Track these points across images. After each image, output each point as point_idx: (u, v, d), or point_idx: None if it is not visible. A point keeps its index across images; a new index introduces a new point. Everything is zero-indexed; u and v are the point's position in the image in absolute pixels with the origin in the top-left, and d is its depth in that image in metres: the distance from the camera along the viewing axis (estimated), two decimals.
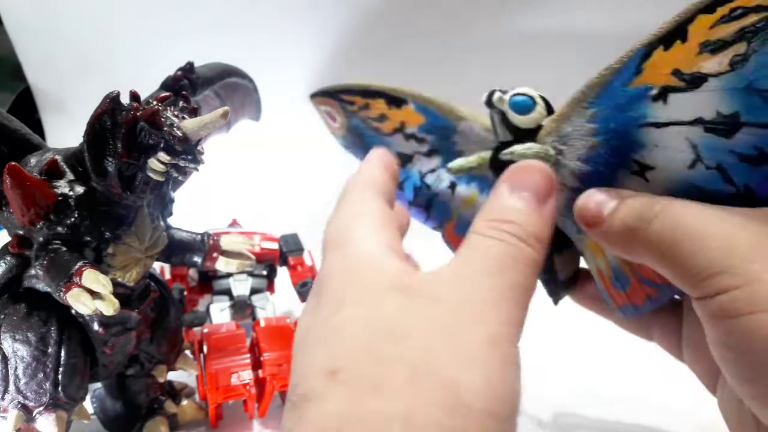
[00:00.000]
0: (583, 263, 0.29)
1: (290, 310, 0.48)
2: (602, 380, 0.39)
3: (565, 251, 0.28)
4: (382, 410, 0.16)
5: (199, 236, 0.35)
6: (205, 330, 0.39)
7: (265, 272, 0.47)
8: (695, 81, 0.20)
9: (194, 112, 0.27)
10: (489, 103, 0.25)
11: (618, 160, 0.23)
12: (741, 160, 0.21)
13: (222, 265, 0.35)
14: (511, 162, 0.24)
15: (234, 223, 0.51)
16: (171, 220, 0.34)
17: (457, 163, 0.27)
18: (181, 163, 0.26)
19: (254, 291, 0.46)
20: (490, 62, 0.68)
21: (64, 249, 0.27)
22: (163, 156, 0.26)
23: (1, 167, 0.26)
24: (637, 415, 0.36)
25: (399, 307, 0.18)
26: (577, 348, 0.42)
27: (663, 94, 0.21)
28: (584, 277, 0.30)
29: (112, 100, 0.26)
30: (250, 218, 0.52)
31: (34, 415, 0.28)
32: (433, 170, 0.32)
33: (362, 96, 0.33)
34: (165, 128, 0.25)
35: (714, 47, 0.20)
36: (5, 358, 0.28)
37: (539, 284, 0.28)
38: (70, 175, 0.27)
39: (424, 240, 0.31)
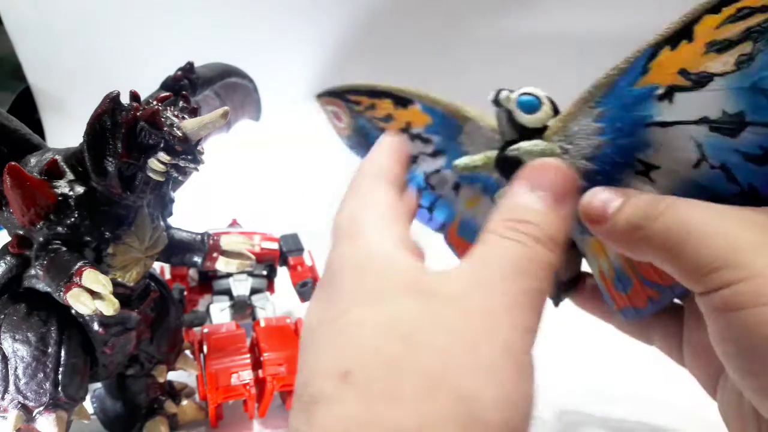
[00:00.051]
0: (584, 266, 0.29)
1: (290, 310, 0.48)
2: (605, 378, 0.39)
3: (568, 252, 0.28)
4: (396, 420, 0.15)
5: (199, 236, 0.35)
6: (205, 330, 0.39)
7: (265, 272, 0.47)
8: (701, 80, 0.21)
9: (194, 112, 0.27)
10: (496, 101, 0.25)
11: (623, 159, 0.23)
12: (746, 159, 0.21)
13: (222, 265, 0.35)
14: (517, 159, 0.24)
15: (234, 223, 0.51)
16: (171, 220, 0.34)
17: (463, 160, 0.27)
18: (181, 163, 0.26)
19: (254, 291, 0.46)
20: (490, 62, 0.68)
21: (64, 249, 0.27)
22: (163, 156, 0.26)
23: (1, 167, 0.26)
24: (642, 413, 0.36)
25: (413, 311, 0.17)
26: (580, 346, 0.42)
27: (669, 93, 0.21)
28: (585, 280, 0.29)
29: (112, 100, 0.26)
30: (250, 218, 0.52)
31: (34, 415, 0.28)
32: (437, 171, 0.32)
33: (369, 96, 0.32)
34: (165, 128, 0.25)
35: (720, 47, 0.20)
36: (5, 358, 0.28)
37: None
38: (70, 175, 0.27)
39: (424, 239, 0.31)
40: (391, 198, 0.22)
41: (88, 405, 0.32)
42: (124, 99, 0.27)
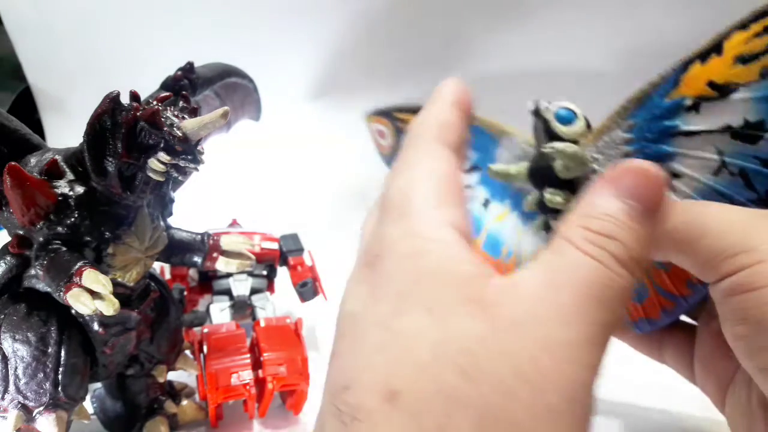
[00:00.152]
0: None
1: (290, 310, 0.48)
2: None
3: None
4: None
5: (199, 236, 0.35)
6: (205, 330, 0.39)
7: (265, 272, 0.47)
8: (727, 90, 0.22)
9: (194, 112, 0.27)
10: (536, 111, 0.27)
11: None
12: (764, 165, 0.22)
13: (222, 265, 0.35)
14: (549, 167, 0.25)
15: (234, 223, 0.51)
16: (171, 220, 0.34)
17: (498, 166, 0.28)
18: (181, 163, 0.26)
19: (254, 291, 0.46)
20: (490, 62, 0.68)
21: (64, 249, 0.27)
22: (163, 156, 0.26)
23: (1, 167, 0.26)
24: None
25: (474, 333, 0.15)
26: None
27: (696, 104, 0.23)
28: None
29: (112, 100, 0.26)
30: (250, 218, 0.52)
31: (34, 415, 0.28)
32: (469, 186, 0.32)
33: (414, 113, 0.33)
34: (165, 128, 0.25)
35: (746, 59, 0.22)
36: (5, 358, 0.28)
37: None
38: (70, 175, 0.27)
39: None
40: (448, 166, 0.19)
41: (88, 405, 0.32)
42: (124, 99, 0.27)
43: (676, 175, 0.24)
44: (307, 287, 0.45)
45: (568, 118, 0.26)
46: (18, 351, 0.28)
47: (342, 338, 0.18)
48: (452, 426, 0.14)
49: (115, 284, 0.27)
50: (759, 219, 0.21)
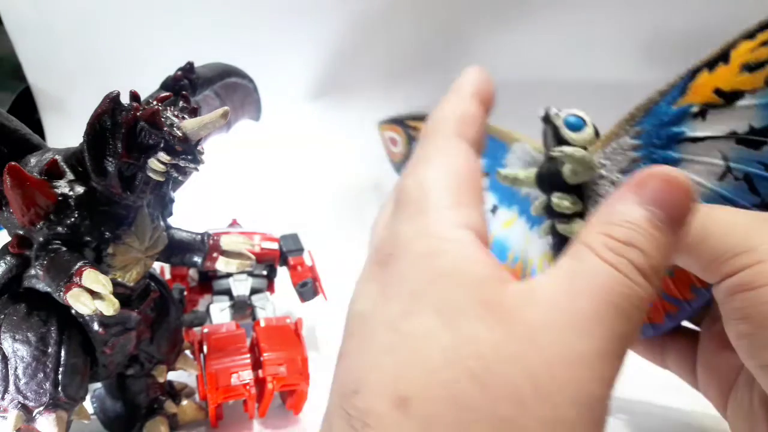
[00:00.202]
0: None
1: (290, 310, 0.48)
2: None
3: None
4: None
5: (199, 236, 0.35)
6: (205, 330, 0.39)
7: (265, 272, 0.47)
8: (733, 97, 0.23)
9: (194, 112, 0.27)
10: (546, 118, 0.27)
11: None
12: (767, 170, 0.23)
13: (222, 265, 0.35)
14: (557, 172, 0.26)
15: (234, 223, 0.51)
16: (171, 220, 0.34)
17: (508, 170, 0.29)
18: (181, 163, 0.26)
19: (254, 291, 0.46)
20: (492, 62, 0.68)
21: (64, 249, 0.27)
22: (163, 156, 0.26)
23: (1, 167, 0.26)
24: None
25: (489, 341, 0.15)
26: None
27: (703, 111, 0.24)
28: None
29: (112, 100, 0.26)
30: (250, 218, 0.52)
31: (34, 415, 0.28)
32: None
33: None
34: (165, 128, 0.25)
35: (752, 67, 0.22)
36: (5, 358, 0.28)
37: None
38: (70, 175, 0.27)
39: None
40: (466, 162, 0.19)
41: (88, 405, 0.32)
42: (124, 99, 0.27)
43: None
44: (307, 287, 0.45)
45: (577, 125, 0.27)
46: (18, 351, 0.28)
47: (350, 338, 0.17)
48: None
49: (115, 284, 0.27)
50: (760, 221, 0.21)
